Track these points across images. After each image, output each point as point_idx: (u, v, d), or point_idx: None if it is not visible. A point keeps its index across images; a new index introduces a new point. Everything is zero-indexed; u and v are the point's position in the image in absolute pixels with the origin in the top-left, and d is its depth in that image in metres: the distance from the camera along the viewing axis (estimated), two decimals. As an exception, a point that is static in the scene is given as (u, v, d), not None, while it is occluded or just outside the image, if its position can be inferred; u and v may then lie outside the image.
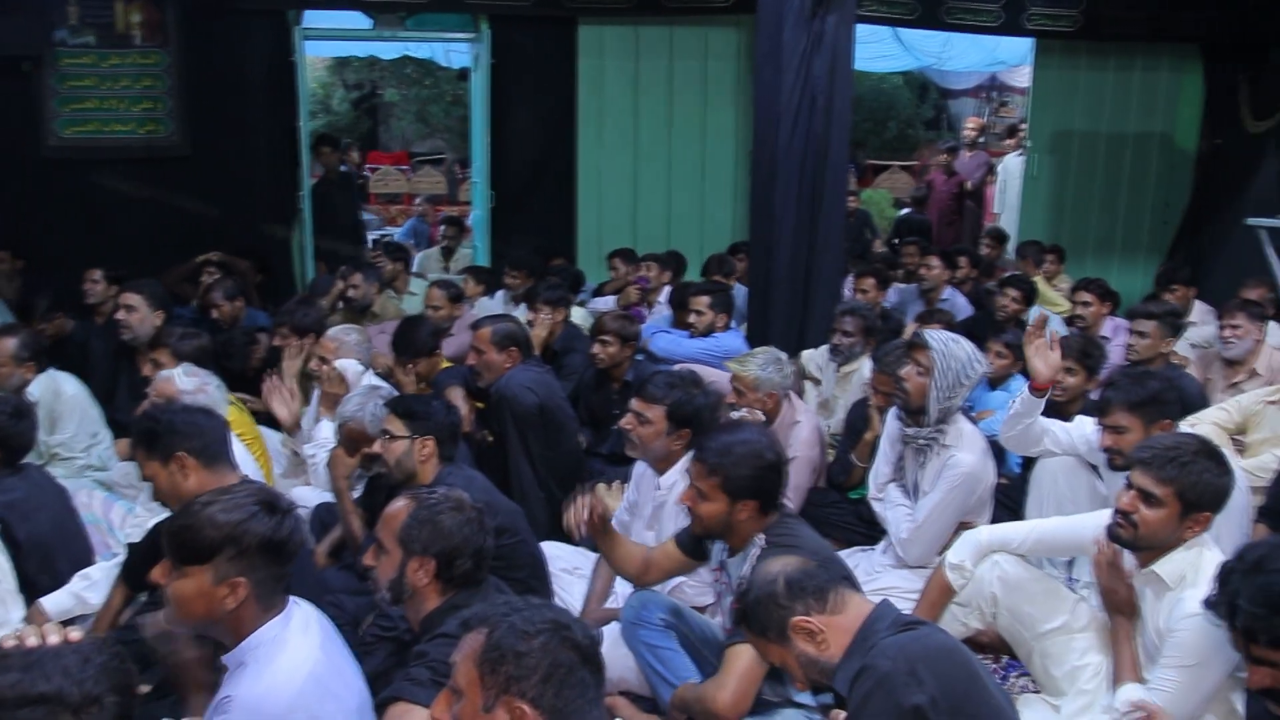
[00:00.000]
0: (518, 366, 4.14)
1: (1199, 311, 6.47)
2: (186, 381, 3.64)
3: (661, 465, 3.34)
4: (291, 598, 2.23)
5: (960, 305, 6.51)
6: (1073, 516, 3.24)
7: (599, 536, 2.96)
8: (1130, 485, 2.67)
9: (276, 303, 6.80)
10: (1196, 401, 4.55)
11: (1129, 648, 2.75)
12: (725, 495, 2.66)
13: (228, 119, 7.36)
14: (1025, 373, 4.90)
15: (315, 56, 13.85)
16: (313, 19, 7.70)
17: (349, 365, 4.23)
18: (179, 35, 7.08)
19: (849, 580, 2.36)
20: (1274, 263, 6.04)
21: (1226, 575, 2.08)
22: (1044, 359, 3.50)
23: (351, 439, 3.56)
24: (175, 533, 2.14)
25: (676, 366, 4.59)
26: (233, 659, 2.11)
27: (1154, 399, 3.25)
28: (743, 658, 2.53)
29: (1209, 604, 2.13)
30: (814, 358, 5.34)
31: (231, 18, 7.23)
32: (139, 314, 4.92)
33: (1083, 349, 4.32)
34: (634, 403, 3.39)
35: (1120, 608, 2.79)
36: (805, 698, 2.74)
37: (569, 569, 3.67)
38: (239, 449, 3.56)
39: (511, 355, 4.15)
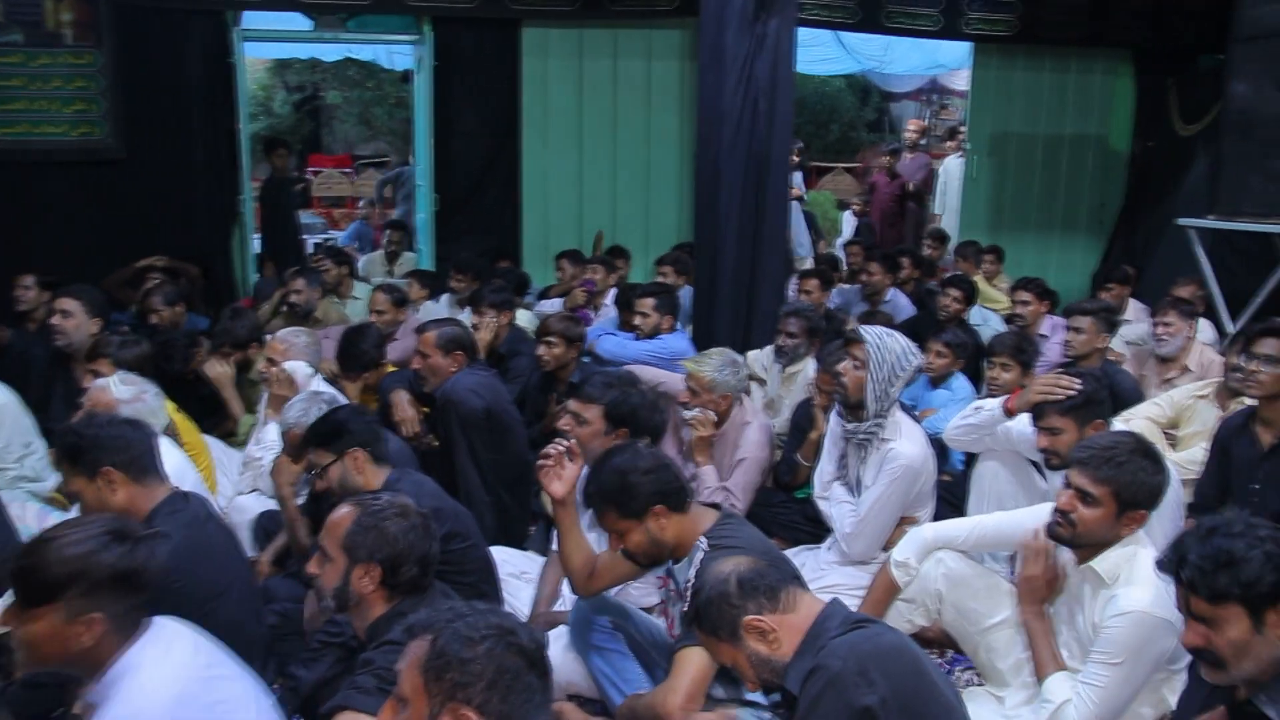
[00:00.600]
0: (463, 370, 4.11)
1: (1134, 309, 6.62)
2: (123, 390, 3.57)
3: None
4: (156, 619, 2.15)
5: (903, 305, 6.60)
6: (1014, 512, 3.30)
7: (561, 508, 2.89)
8: (1068, 484, 2.73)
9: (217, 307, 6.70)
10: (1132, 397, 4.66)
11: (1047, 639, 2.82)
12: (631, 519, 2.63)
13: (165, 121, 7.24)
14: (967, 372, 5.01)
15: (255, 58, 13.65)
16: (251, 20, 7.60)
17: (298, 367, 4.18)
18: (112, 35, 6.91)
19: (798, 579, 2.37)
20: (1204, 261, 6.19)
21: (1182, 539, 2.14)
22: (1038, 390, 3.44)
23: (296, 446, 3.51)
24: (19, 572, 2.04)
25: (622, 368, 4.61)
26: (95, 696, 2.03)
27: (1087, 400, 3.31)
28: (692, 660, 2.53)
29: (1159, 564, 2.20)
30: (759, 358, 5.38)
31: (167, 17, 7.11)
32: (75, 320, 4.80)
33: (1016, 345, 4.40)
34: (571, 404, 3.39)
35: (1041, 597, 2.86)
36: (757, 696, 2.75)
37: (516, 574, 3.66)
38: (180, 459, 3.50)
39: (457, 359, 4.12)
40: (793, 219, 9.52)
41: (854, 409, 3.64)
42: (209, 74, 7.32)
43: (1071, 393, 3.29)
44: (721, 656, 2.24)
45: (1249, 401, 3.76)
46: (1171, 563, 2.11)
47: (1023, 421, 3.55)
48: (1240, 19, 5.72)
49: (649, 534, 2.64)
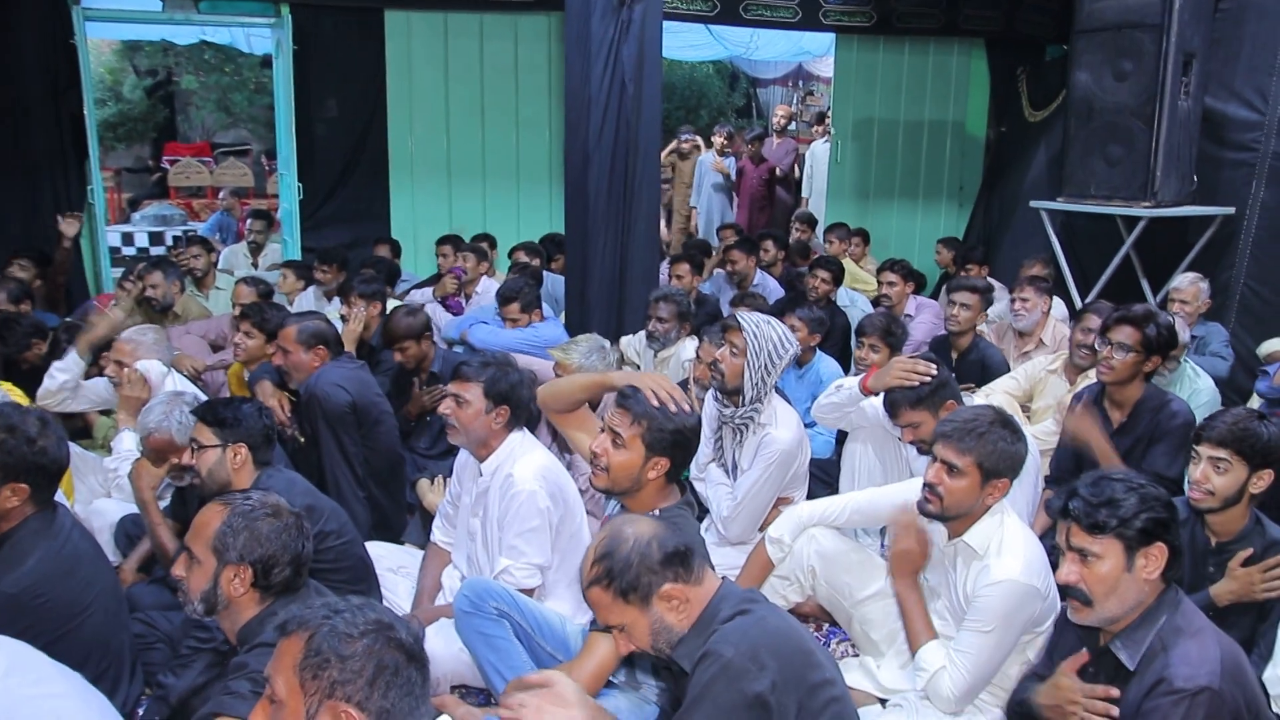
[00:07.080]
0: (327, 364, 4.00)
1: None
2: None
3: (482, 451, 3.29)
4: None
5: (771, 288, 6.71)
6: (885, 487, 3.41)
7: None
8: (935, 459, 2.83)
9: (69, 303, 6.40)
10: (1002, 369, 4.89)
11: (920, 609, 2.92)
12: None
13: (0, 105, 6.81)
14: (836, 353, 5.15)
15: (101, 39, 12.99)
16: (94, -1, 7.21)
17: (151, 366, 4.00)
18: (-63, 14, 6.48)
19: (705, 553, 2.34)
20: (1055, 241, 6.50)
21: (1073, 485, 2.28)
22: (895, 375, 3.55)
23: (157, 450, 3.37)
24: None
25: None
26: None
27: (934, 390, 3.43)
28: (602, 646, 2.52)
29: (1049, 507, 2.31)
30: (632, 343, 5.41)
31: (-1, -5, 6.70)
32: (-94, 321, 4.52)
33: (886, 328, 4.53)
34: (451, 385, 3.33)
35: (914, 569, 2.97)
36: (650, 682, 2.76)
37: (394, 568, 3.60)
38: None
39: (319, 354, 4.00)
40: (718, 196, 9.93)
41: (732, 395, 3.70)
42: (49, 56, 6.90)
43: (927, 379, 3.41)
44: (617, 617, 2.11)
45: (1094, 376, 3.95)
46: (1061, 502, 2.25)
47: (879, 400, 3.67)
48: (1081, 12, 6.01)
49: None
